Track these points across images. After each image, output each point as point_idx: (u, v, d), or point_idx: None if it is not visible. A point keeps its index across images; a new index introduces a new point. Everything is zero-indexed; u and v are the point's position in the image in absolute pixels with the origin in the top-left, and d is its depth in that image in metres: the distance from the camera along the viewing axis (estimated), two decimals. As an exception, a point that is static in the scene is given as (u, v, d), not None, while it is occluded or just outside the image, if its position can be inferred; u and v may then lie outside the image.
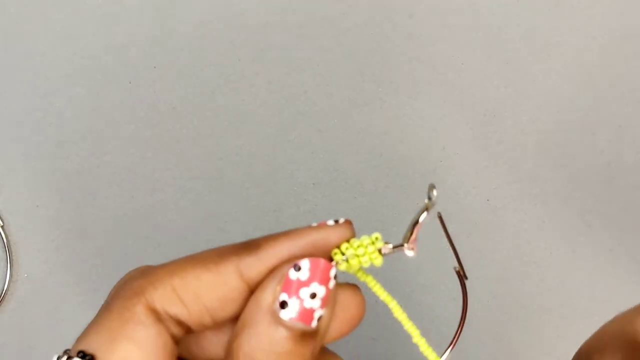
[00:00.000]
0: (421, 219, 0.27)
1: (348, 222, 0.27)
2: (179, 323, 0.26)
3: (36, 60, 0.47)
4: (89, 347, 0.25)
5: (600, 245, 0.48)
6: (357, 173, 0.47)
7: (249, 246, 0.26)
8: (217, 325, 0.27)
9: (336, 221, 0.27)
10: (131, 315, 0.25)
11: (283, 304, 0.25)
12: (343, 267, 0.27)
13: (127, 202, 0.47)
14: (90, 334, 0.25)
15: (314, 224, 0.27)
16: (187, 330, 0.26)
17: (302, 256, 0.26)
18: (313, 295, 0.25)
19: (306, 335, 0.25)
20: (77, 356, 0.25)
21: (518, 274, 0.48)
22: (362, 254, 0.27)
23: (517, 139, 0.48)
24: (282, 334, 0.25)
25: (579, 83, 0.48)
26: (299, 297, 0.25)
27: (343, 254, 0.27)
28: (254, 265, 0.26)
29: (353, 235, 0.27)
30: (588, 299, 0.48)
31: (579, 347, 0.31)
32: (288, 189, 0.47)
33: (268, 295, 0.25)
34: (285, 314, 0.25)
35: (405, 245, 0.27)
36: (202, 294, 0.25)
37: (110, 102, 0.47)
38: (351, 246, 0.27)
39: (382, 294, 0.28)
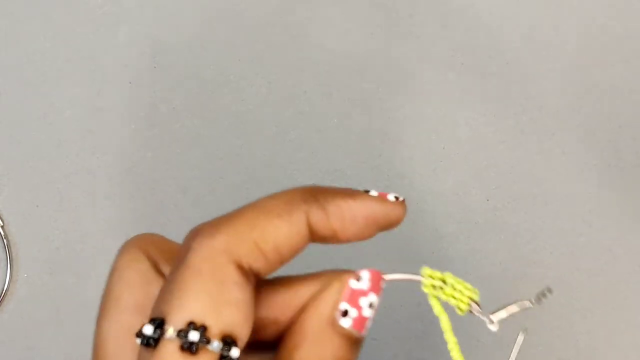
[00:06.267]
0: (518, 308, 0.28)
1: (404, 202, 0.28)
2: (257, 276, 0.26)
3: (36, 60, 0.47)
4: (193, 315, 0.23)
5: (600, 246, 0.48)
6: (357, 173, 0.47)
7: (316, 196, 0.26)
8: None
9: (396, 198, 0.28)
10: (225, 277, 0.24)
11: (345, 313, 0.26)
12: (429, 290, 0.28)
13: (127, 202, 0.47)
14: (190, 300, 0.23)
15: (373, 192, 0.28)
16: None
17: (361, 221, 0.27)
18: (370, 305, 0.27)
19: (357, 342, 0.27)
20: (190, 329, 0.23)
21: (518, 274, 0.48)
22: (457, 294, 0.27)
23: (518, 138, 0.48)
24: (341, 342, 0.26)
25: (579, 83, 0.48)
26: (358, 306, 0.26)
27: (444, 281, 0.27)
28: (321, 218, 0.26)
29: (404, 214, 0.28)
30: (588, 300, 0.48)
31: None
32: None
33: (328, 305, 0.26)
34: (345, 322, 0.26)
35: (492, 319, 0.28)
36: (281, 245, 0.25)
37: (110, 102, 0.47)
38: (452, 280, 0.27)
39: (449, 335, 0.29)
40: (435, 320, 0.29)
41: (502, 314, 0.28)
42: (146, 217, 0.47)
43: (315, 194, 0.26)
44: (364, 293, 0.27)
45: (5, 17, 0.47)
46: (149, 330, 0.23)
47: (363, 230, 0.27)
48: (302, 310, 0.27)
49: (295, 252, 0.26)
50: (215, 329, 0.23)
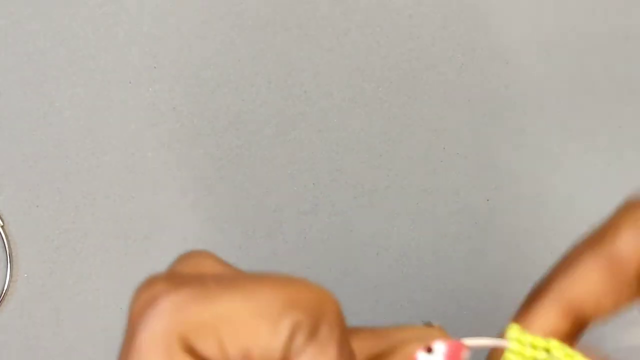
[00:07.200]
0: None
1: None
2: None
3: (36, 60, 0.47)
4: None
5: (600, 245, 0.48)
6: (357, 173, 0.47)
7: (317, 316, 0.21)
8: None
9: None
10: None
11: None
12: (521, 359, 0.22)
13: (127, 202, 0.47)
14: None
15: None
16: None
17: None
18: None
19: None
20: None
21: (518, 274, 0.48)
22: None
23: (518, 138, 0.48)
24: None
25: (579, 83, 0.48)
26: None
27: (548, 351, 0.22)
28: (300, 343, 0.21)
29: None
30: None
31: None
32: (288, 189, 0.47)
33: None
34: None
35: None
36: (252, 351, 0.20)
37: (110, 102, 0.47)
38: (559, 351, 0.22)
39: None
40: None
41: None
42: (146, 217, 0.47)
43: (319, 315, 0.21)
44: None
45: (5, 17, 0.47)
46: None
47: None
48: None
49: (270, 354, 0.21)
50: None
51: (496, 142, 0.48)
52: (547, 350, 0.22)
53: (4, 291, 0.46)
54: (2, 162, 0.47)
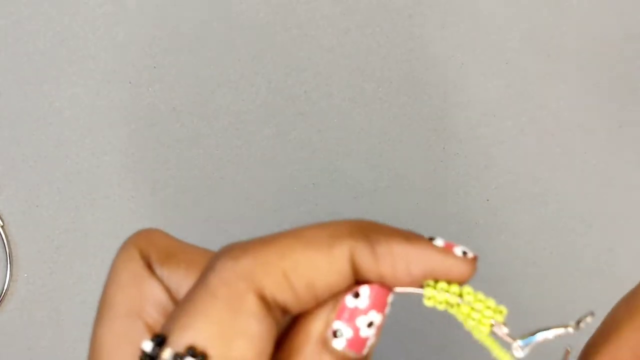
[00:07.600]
0: (553, 334, 0.25)
1: (475, 260, 0.25)
2: (284, 310, 0.23)
3: (36, 60, 0.47)
4: (197, 340, 0.22)
5: (600, 246, 0.48)
6: (357, 173, 0.47)
7: (366, 232, 0.24)
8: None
9: (464, 253, 0.25)
10: (242, 305, 0.22)
11: (336, 333, 0.24)
12: (435, 303, 0.24)
13: (127, 202, 0.47)
14: (196, 323, 0.22)
15: (438, 241, 0.25)
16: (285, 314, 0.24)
17: (416, 272, 0.23)
18: (370, 324, 0.24)
19: None
20: (188, 354, 0.21)
21: (518, 274, 0.48)
22: (477, 314, 0.24)
23: (517, 138, 0.48)
24: None
25: (579, 83, 0.48)
26: (354, 326, 0.24)
27: (461, 296, 0.24)
28: (368, 259, 0.23)
29: (473, 273, 0.24)
30: (588, 300, 0.48)
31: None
32: (288, 189, 0.47)
33: (319, 323, 0.24)
34: (338, 343, 0.23)
35: (519, 342, 0.24)
36: (316, 281, 0.23)
37: (110, 102, 0.47)
38: (470, 296, 0.24)
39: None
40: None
41: (534, 339, 0.25)
42: (146, 217, 0.47)
43: (366, 230, 0.24)
44: (362, 312, 0.24)
45: (5, 17, 0.47)
46: (147, 347, 0.22)
47: (416, 282, 0.24)
48: (298, 321, 0.24)
49: (333, 291, 0.23)
50: None
51: (496, 142, 0.48)
52: (460, 295, 0.24)
53: (4, 291, 0.46)
54: (2, 162, 0.47)
